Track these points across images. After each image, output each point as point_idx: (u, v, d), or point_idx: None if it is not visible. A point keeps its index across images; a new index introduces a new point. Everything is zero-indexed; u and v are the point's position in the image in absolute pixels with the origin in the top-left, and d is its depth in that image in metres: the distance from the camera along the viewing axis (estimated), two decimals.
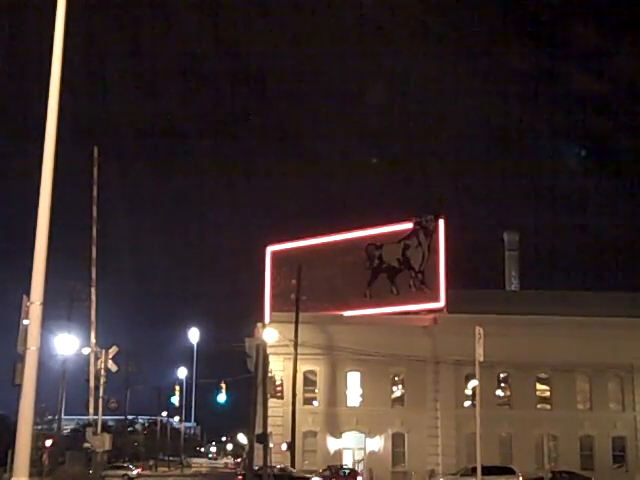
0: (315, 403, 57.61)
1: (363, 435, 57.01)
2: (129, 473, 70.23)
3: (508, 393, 58.55)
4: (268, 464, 43.68)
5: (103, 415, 51.06)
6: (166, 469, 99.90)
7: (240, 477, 49.35)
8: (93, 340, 53.58)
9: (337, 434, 56.95)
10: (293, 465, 50.68)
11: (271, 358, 53.86)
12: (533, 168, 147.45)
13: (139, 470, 75.10)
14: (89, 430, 47.44)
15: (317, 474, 49.57)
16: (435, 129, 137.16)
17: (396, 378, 58.30)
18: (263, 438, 50.59)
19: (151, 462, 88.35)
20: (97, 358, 49.39)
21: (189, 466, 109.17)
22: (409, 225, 60.66)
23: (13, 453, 14.33)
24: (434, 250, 59.39)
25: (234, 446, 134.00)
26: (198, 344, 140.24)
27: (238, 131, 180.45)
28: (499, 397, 58.16)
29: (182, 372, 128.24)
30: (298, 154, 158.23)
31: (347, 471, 51.04)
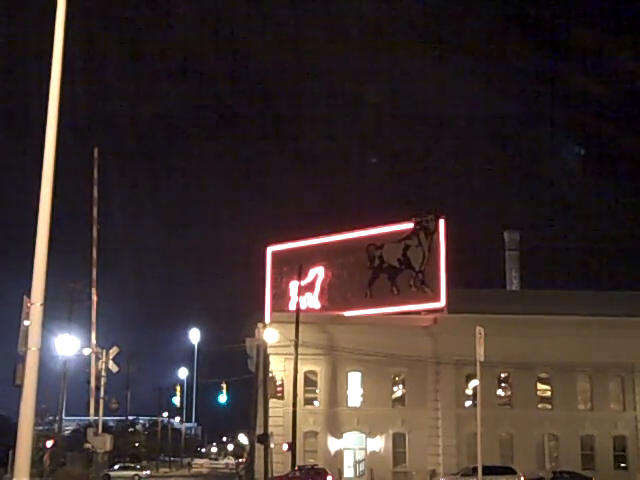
0: (316, 403, 57.60)
1: (364, 435, 56.98)
2: (140, 474, 70.39)
3: (509, 393, 58.53)
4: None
5: (104, 416, 51.05)
6: (167, 470, 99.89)
7: None
8: (94, 341, 53.63)
9: (338, 434, 56.93)
10: (294, 466, 50.62)
11: (272, 358, 53.96)
12: (533, 168, 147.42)
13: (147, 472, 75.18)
14: (90, 431, 47.42)
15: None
16: (435, 129, 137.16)
17: (397, 378, 58.29)
18: (264, 438, 50.72)
19: (145, 462, 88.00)
20: (98, 359, 49.38)
21: (190, 466, 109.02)
22: (409, 225, 60.62)
23: (14, 454, 14.32)
24: (434, 250, 59.34)
25: (235, 446, 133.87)
26: (199, 344, 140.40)
27: (238, 131, 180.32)
28: (500, 397, 58.14)
29: (183, 372, 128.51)
30: (298, 154, 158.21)
31: (317, 470, 50.84)
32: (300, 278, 56.93)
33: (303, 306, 57.86)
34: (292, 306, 60.19)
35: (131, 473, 69.62)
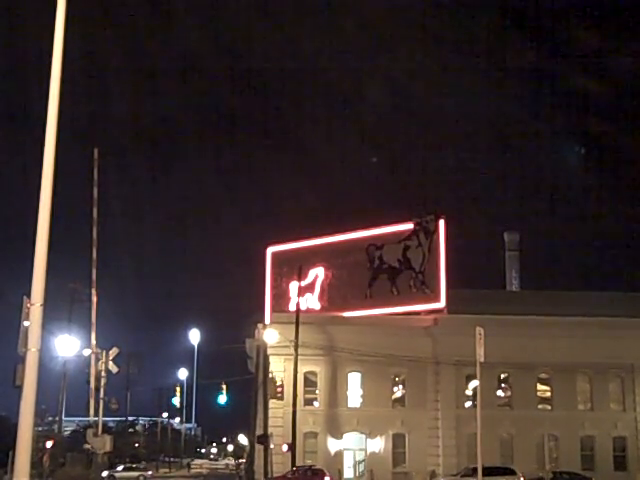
0: (316, 404, 57.58)
1: (364, 436, 56.96)
2: (145, 474, 70.74)
3: (509, 393, 58.52)
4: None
5: (104, 416, 50.99)
6: (167, 470, 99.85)
7: None
8: (94, 341, 53.48)
9: (338, 435, 56.91)
10: (294, 467, 50.57)
11: (271, 359, 53.96)
12: (533, 168, 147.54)
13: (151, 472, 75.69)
14: (90, 431, 47.39)
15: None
16: (435, 129, 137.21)
17: (397, 379, 58.27)
18: (264, 439, 50.74)
19: (144, 463, 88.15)
20: (98, 359, 49.35)
21: (189, 467, 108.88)
22: (409, 225, 60.59)
23: (14, 454, 14.30)
24: (434, 250, 59.31)
25: (235, 447, 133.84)
26: (199, 345, 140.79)
27: (238, 131, 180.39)
28: (500, 397, 58.13)
29: (183, 373, 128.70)
30: (298, 154, 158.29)
31: (314, 471, 50.81)
32: (300, 279, 56.91)
33: (303, 307, 57.88)
34: (292, 306, 60.22)
35: (136, 474, 69.85)
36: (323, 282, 63.23)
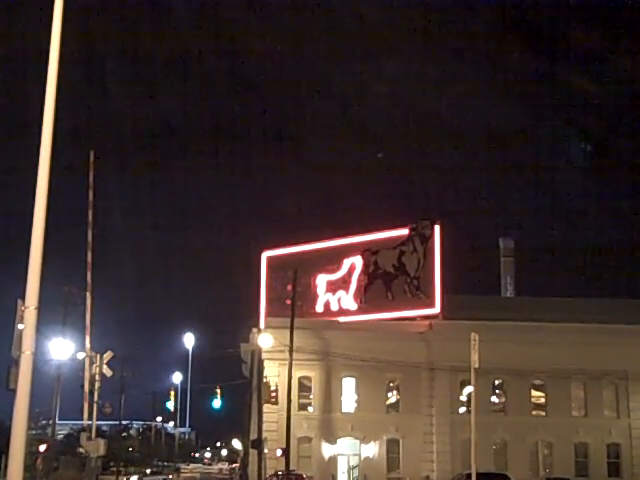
0: (310, 409, 57.52)
1: (358, 441, 56.92)
2: (167, 478, 71.36)
3: (503, 399, 58.53)
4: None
5: (97, 420, 51.02)
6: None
7: None
8: (88, 345, 53.61)
9: (332, 440, 56.86)
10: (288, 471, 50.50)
11: (266, 363, 53.88)
12: (530, 173, 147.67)
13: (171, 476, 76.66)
14: (83, 435, 47.42)
15: None
16: (433, 132, 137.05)
17: (391, 384, 58.24)
18: (258, 444, 50.64)
19: (132, 468, 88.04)
20: (92, 363, 49.35)
21: (178, 471, 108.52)
22: (405, 231, 60.61)
23: (7, 458, 14.23)
24: (430, 256, 59.34)
25: (229, 452, 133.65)
26: (193, 349, 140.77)
27: (237, 132, 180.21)
28: (494, 403, 58.12)
29: (177, 377, 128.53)
30: (296, 158, 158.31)
31: (294, 476, 50.75)
32: (295, 283, 56.80)
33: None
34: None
35: (160, 477, 70.46)
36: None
